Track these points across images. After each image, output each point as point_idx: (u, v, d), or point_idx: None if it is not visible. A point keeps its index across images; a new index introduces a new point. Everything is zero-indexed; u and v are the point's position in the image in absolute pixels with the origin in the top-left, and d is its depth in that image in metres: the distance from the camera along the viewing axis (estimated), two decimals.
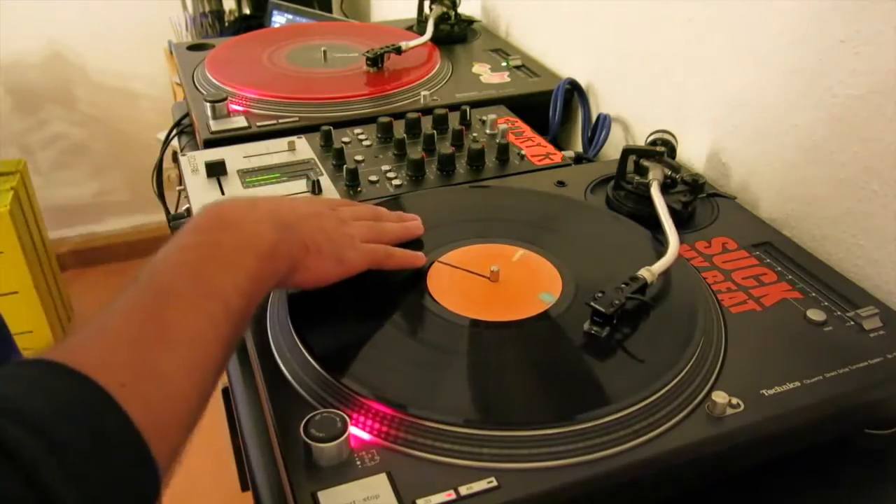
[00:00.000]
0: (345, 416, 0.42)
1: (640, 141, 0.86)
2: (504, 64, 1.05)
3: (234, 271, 0.42)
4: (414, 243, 0.60)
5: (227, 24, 1.80)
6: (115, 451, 0.31)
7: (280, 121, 0.86)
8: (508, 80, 1.00)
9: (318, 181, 0.72)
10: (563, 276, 0.57)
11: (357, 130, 0.84)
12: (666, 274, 0.55)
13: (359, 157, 0.78)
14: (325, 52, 1.03)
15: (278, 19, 1.52)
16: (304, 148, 0.80)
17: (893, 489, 0.51)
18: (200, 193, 0.72)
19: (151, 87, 2.18)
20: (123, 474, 0.32)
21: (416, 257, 0.57)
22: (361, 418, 0.44)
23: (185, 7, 1.86)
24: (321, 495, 0.40)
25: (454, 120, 0.85)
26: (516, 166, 0.78)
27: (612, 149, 0.92)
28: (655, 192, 0.65)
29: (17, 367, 0.32)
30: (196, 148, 0.89)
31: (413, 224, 0.60)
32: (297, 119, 0.86)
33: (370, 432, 0.43)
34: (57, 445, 0.29)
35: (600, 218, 0.67)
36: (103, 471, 0.30)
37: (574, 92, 0.97)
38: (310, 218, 0.51)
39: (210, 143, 0.82)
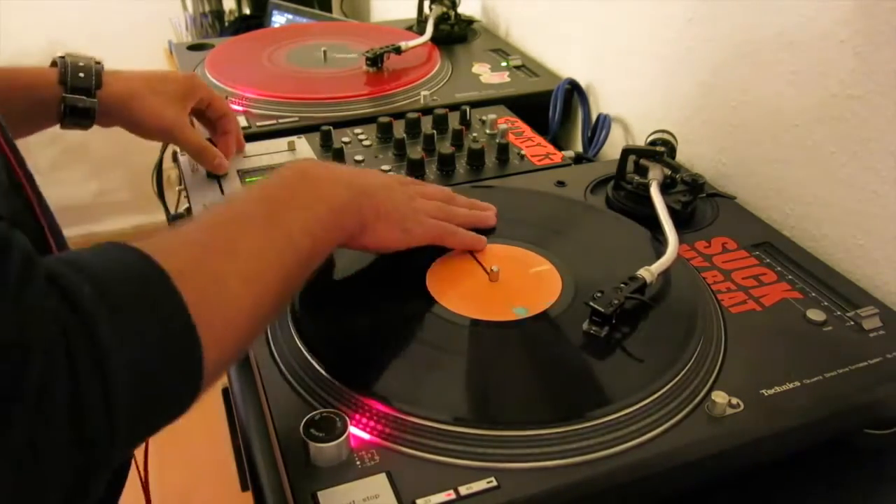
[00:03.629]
0: (345, 416, 0.42)
1: (640, 141, 0.86)
2: (504, 64, 1.05)
3: (305, 214, 0.45)
4: (482, 233, 0.61)
5: (227, 24, 1.80)
6: (166, 322, 0.33)
7: (280, 121, 0.86)
8: (508, 80, 1.00)
9: None
10: (562, 276, 0.57)
11: (357, 130, 0.84)
12: (665, 274, 0.55)
13: (359, 157, 0.78)
14: (325, 52, 1.03)
15: (278, 19, 1.52)
16: (304, 148, 0.80)
17: (893, 489, 0.51)
18: (200, 193, 0.72)
19: None
20: (168, 344, 0.33)
21: (479, 240, 0.59)
22: (361, 418, 0.44)
23: (185, 7, 1.86)
24: (321, 495, 0.40)
25: (454, 120, 0.85)
26: (516, 166, 0.78)
27: (612, 149, 0.92)
28: (655, 192, 0.65)
29: (89, 248, 0.35)
30: None
31: (485, 214, 0.62)
32: (296, 119, 0.86)
33: (370, 432, 0.43)
34: (110, 300, 0.31)
35: (600, 218, 0.67)
36: (149, 333, 0.32)
37: (574, 92, 0.97)
38: (382, 188, 0.54)
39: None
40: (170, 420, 0.35)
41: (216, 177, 0.74)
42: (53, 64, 0.65)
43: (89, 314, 0.30)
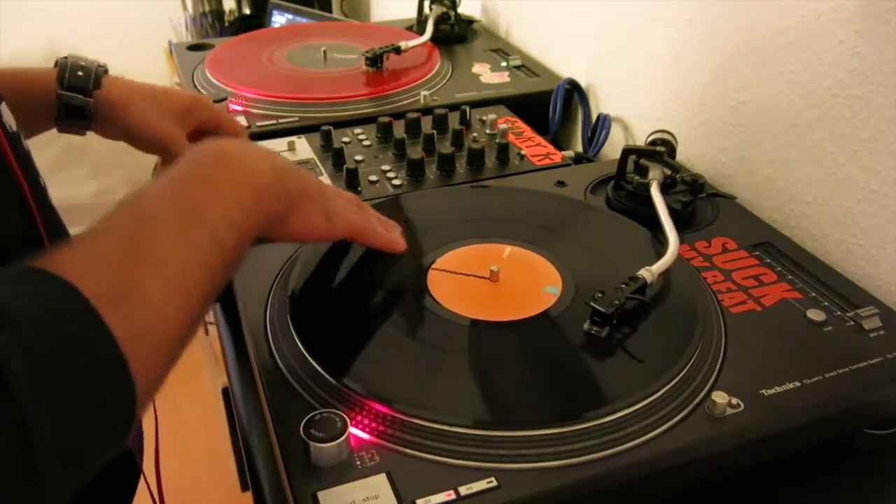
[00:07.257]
0: (345, 416, 0.42)
1: (640, 141, 0.86)
2: (504, 64, 1.05)
3: (226, 204, 0.41)
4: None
5: (227, 24, 1.80)
6: (89, 354, 0.31)
7: (280, 121, 0.86)
8: (508, 80, 1.00)
9: None
10: (562, 276, 0.57)
11: (357, 130, 0.84)
12: (666, 274, 0.55)
13: (359, 157, 0.78)
14: (325, 52, 1.03)
15: (278, 19, 1.53)
16: (303, 148, 0.80)
17: (893, 489, 0.51)
18: None
19: None
20: (94, 379, 0.31)
21: (399, 243, 0.57)
22: (361, 418, 0.44)
23: (185, 7, 1.86)
24: (321, 495, 0.40)
25: (454, 120, 0.85)
26: (516, 166, 0.78)
27: (612, 149, 0.92)
28: (655, 192, 0.65)
29: (3, 276, 0.31)
30: None
31: (396, 240, 0.58)
32: (296, 119, 0.86)
33: (370, 432, 0.43)
34: (26, 339, 0.28)
35: (600, 218, 0.67)
36: (71, 370, 0.30)
37: (574, 92, 0.97)
38: (305, 171, 0.51)
39: None
40: (103, 460, 0.32)
41: None
42: (56, 65, 0.65)
43: (13, 377, 0.27)
